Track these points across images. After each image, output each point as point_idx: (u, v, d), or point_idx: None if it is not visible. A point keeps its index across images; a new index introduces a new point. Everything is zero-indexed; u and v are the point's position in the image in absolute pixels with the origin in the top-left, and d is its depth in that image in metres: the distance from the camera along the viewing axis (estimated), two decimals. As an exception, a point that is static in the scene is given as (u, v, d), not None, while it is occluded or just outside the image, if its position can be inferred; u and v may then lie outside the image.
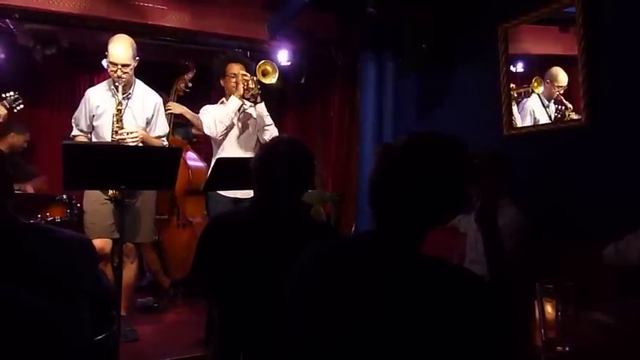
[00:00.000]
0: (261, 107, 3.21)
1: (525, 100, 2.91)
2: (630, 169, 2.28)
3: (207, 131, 3.19)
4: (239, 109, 3.22)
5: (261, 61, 3.18)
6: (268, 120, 3.24)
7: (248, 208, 1.85)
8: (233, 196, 3.13)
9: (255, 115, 3.26)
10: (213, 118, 3.15)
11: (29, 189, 3.92)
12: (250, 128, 3.31)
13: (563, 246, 2.38)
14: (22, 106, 3.57)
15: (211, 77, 3.44)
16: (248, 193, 3.09)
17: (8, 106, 3.44)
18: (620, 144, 2.35)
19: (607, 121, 2.40)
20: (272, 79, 3.16)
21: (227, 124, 3.16)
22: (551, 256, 2.38)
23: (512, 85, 2.94)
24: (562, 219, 2.54)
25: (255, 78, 3.14)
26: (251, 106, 3.24)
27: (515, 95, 2.94)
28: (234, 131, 3.27)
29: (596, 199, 2.42)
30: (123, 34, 2.99)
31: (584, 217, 2.45)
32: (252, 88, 3.14)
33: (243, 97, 3.17)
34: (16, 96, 3.48)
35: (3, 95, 3.47)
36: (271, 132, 3.25)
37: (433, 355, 0.86)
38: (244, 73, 3.17)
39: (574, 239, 2.39)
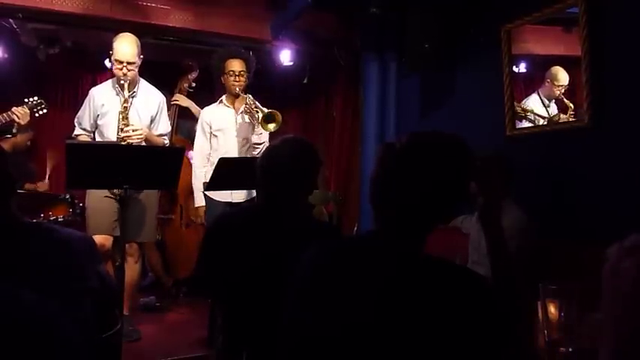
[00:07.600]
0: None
1: (525, 99, 2.91)
2: (633, 170, 2.28)
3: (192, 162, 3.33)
4: (235, 121, 3.24)
5: (271, 110, 3.09)
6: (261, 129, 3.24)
7: (252, 207, 1.85)
8: (224, 200, 3.09)
9: (251, 129, 3.25)
10: (197, 167, 3.25)
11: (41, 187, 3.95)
12: (245, 134, 3.27)
13: (567, 246, 2.37)
14: (45, 110, 3.45)
15: (212, 77, 3.42)
16: (240, 197, 3.12)
17: (28, 110, 3.39)
18: (624, 144, 2.34)
19: (610, 122, 2.40)
20: (273, 128, 3.09)
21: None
22: (555, 257, 2.37)
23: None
24: (565, 219, 2.54)
25: (256, 103, 3.16)
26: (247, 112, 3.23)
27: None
28: (231, 138, 3.23)
29: (599, 200, 2.41)
30: (127, 33, 3.00)
31: (587, 218, 2.44)
32: (255, 110, 3.14)
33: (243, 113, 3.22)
34: (39, 101, 3.38)
35: (25, 100, 3.43)
36: (265, 137, 3.25)
37: (437, 355, 0.86)
38: (252, 100, 3.16)
39: (577, 240, 2.38)
